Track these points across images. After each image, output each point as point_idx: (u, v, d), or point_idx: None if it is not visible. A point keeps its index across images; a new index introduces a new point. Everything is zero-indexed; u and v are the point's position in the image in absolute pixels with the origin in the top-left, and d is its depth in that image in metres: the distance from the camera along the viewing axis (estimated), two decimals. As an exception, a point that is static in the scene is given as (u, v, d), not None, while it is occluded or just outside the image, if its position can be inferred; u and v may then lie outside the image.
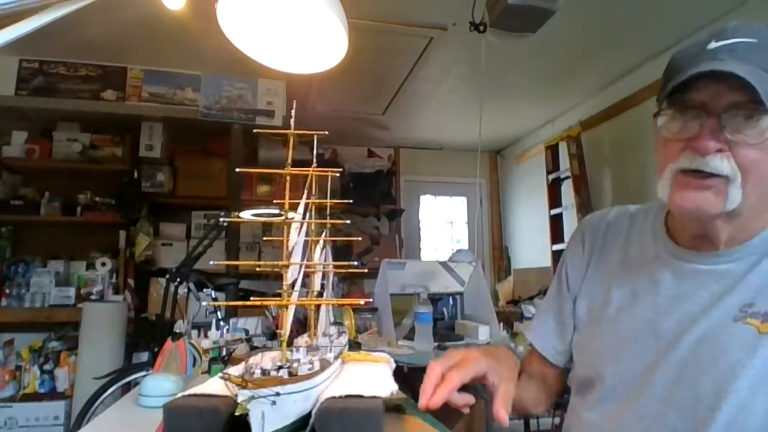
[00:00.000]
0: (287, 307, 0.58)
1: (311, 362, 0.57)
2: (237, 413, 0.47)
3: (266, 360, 0.60)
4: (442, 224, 5.04)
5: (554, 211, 3.87)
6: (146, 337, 2.96)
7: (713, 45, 0.66)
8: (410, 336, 2.01)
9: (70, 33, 2.59)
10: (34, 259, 3.23)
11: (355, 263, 0.79)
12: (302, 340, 0.76)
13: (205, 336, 1.42)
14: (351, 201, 0.97)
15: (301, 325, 1.22)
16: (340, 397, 0.53)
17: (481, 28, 2.20)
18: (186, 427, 0.49)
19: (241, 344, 1.43)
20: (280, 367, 0.54)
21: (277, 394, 0.48)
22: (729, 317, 0.67)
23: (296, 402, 0.51)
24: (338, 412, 0.51)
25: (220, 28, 0.94)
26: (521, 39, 2.15)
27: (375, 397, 0.54)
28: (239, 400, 0.47)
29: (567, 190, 3.78)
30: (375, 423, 0.51)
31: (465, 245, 4.92)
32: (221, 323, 1.60)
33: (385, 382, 0.63)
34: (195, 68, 3.14)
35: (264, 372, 0.52)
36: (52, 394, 2.92)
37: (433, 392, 0.66)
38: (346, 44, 0.95)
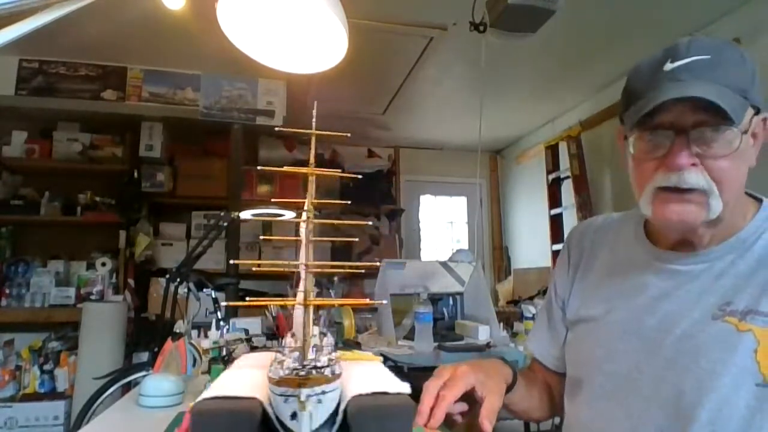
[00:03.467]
0: (308, 308, 0.58)
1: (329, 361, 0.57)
2: (298, 411, 0.47)
3: (287, 360, 0.60)
4: (442, 224, 5.04)
5: (554, 211, 3.87)
6: (146, 337, 2.97)
7: (669, 66, 0.69)
8: (410, 336, 2.00)
9: (70, 33, 2.59)
10: (34, 259, 3.22)
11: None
12: (289, 340, 0.75)
13: (205, 336, 1.43)
14: (347, 202, 0.99)
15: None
16: (367, 394, 0.52)
17: (481, 28, 2.20)
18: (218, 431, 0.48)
19: (241, 344, 1.43)
20: (316, 367, 0.54)
21: (323, 392, 0.48)
22: (708, 316, 0.70)
23: (333, 400, 0.51)
24: (374, 409, 0.51)
25: (220, 28, 0.94)
26: (521, 39, 2.15)
27: (401, 393, 0.54)
28: (302, 398, 0.47)
29: (567, 190, 3.78)
30: (408, 418, 0.52)
31: (465, 245, 4.92)
32: (221, 323, 1.60)
33: (393, 380, 0.63)
34: (195, 68, 3.14)
35: (314, 369, 0.52)
36: (52, 394, 2.93)
37: (430, 413, 0.69)
38: (346, 44, 0.95)
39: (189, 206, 3.66)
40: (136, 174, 3.39)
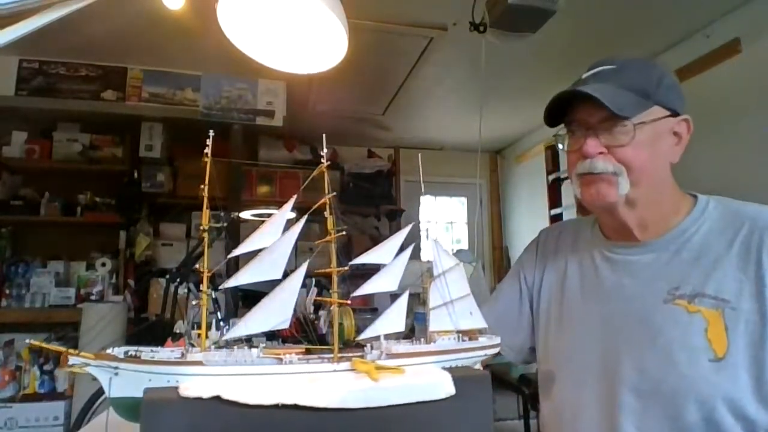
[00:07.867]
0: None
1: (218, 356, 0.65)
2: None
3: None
4: (442, 224, 5.03)
5: (554, 211, 3.86)
6: (146, 337, 2.96)
7: (584, 75, 0.87)
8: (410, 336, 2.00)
9: (70, 33, 2.59)
10: (34, 259, 3.22)
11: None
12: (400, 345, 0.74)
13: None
14: (335, 193, 1.00)
15: (300, 324, 1.22)
16: (160, 388, 0.62)
17: (481, 28, 2.19)
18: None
19: (240, 344, 1.43)
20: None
21: (117, 367, 0.61)
22: (659, 300, 0.78)
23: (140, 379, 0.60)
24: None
25: (220, 28, 0.94)
26: (521, 39, 2.15)
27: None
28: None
29: (567, 190, 3.77)
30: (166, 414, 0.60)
31: (465, 245, 4.92)
32: (221, 323, 1.60)
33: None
34: (195, 68, 3.13)
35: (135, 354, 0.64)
36: (52, 395, 2.92)
37: None
38: (346, 44, 0.95)
39: (189, 206, 3.66)
40: (136, 174, 3.39)
